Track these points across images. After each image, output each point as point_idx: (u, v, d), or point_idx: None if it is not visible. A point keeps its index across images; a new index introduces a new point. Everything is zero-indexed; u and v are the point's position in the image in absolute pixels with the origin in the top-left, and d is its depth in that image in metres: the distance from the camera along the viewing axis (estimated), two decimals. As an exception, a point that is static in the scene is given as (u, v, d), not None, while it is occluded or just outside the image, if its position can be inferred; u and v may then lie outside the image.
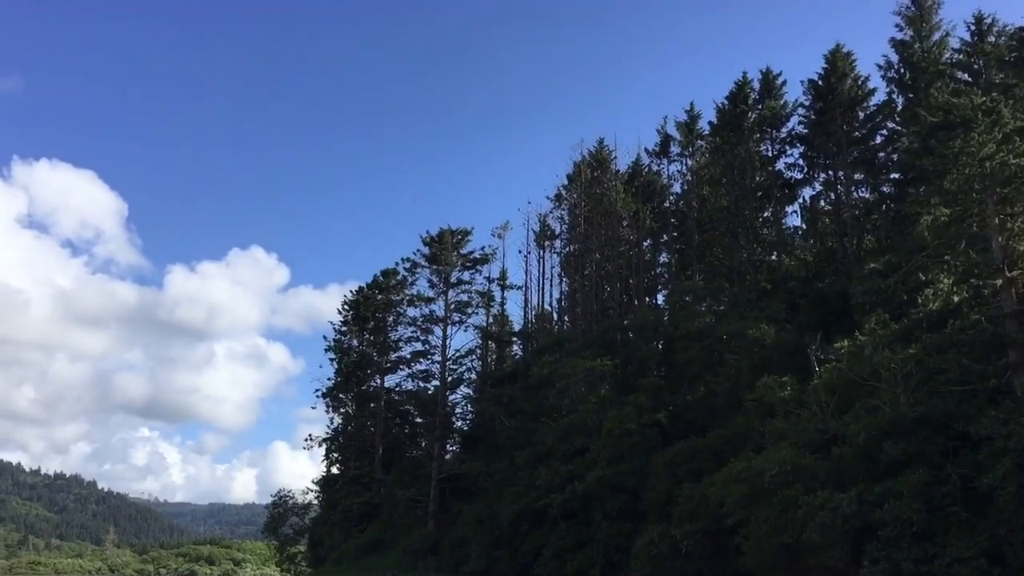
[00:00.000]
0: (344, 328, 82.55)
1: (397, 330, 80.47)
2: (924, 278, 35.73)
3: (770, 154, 63.37)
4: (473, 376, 77.61)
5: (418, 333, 77.64)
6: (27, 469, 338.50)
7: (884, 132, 56.62)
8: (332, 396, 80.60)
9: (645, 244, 73.76)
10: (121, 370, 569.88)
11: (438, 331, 75.42)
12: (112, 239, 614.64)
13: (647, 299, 72.82)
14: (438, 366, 74.95)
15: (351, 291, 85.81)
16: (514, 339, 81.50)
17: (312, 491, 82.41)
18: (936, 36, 54.00)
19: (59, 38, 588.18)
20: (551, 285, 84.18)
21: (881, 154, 56.32)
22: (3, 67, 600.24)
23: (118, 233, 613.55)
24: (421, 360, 78.05)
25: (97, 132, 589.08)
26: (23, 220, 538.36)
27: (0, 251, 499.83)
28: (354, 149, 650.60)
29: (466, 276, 75.88)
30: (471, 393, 76.45)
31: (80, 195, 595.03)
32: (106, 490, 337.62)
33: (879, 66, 55.27)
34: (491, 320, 79.24)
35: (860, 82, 57.78)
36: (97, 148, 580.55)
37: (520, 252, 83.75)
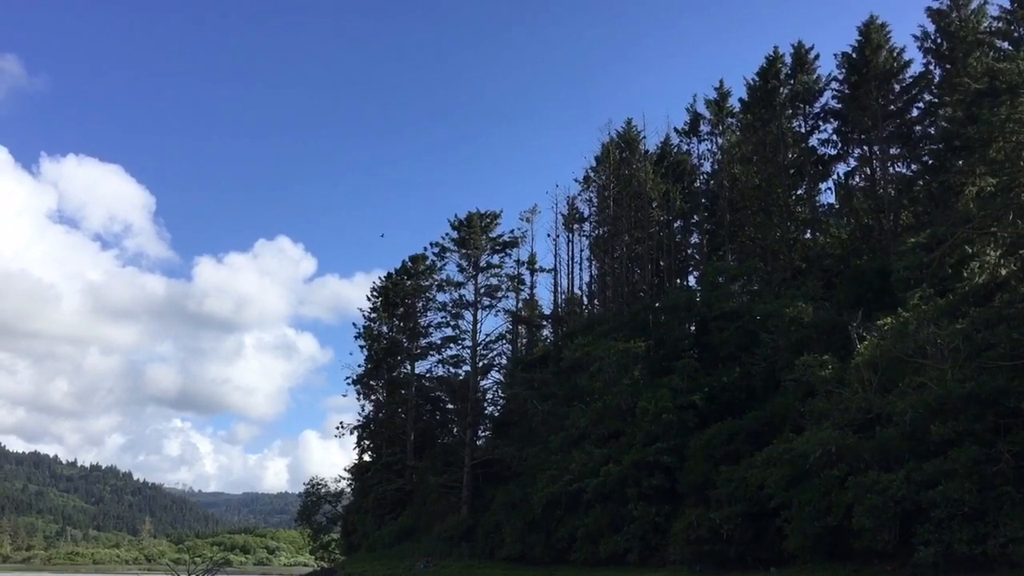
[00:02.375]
0: (373, 315, 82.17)
1: (427, 316, 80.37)
2: (970, 251, 34.68)
3: (803, 130, 62.15)
4: (504, 361, 77.28)
5: (448, 318, 77.48)
6: (64, 461, 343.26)
7: (921, 104, 55.29)
8: (363, 383, 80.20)
9: (675, 225, 72.67)
10: (153, 362, 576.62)
11: (468, 316, 75.25)
12: (141, 232, 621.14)
13: (678, 280, 71.88)
14: (469, 351, 74.68)
15: (379, 277, 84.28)
16: (544, 323, 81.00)
17: (344, 479, 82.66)
18: (974, 4, 52.49)
19: (83, 35, 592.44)
20: (580, 268, 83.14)
21: (918, 127, 54.97)
22: (33, 67, 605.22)
23: (146, 226, 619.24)
24: (451, 345, 77.86)
25: (122, 127, 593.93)
26: (53, 215, 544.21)
27: (32, 246, 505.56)
28: (379, 137, 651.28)
29: (495, 260, 75.70)
30: (502, 378, 76.13)
31: (108, 189, 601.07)
32: (141, 481, 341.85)
33: (915, 37, 53.97)
34: (521, 304, 79.02)
35: (895, 54, 56.34)
36: (122, 142, 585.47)
37: (549, 236, 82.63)
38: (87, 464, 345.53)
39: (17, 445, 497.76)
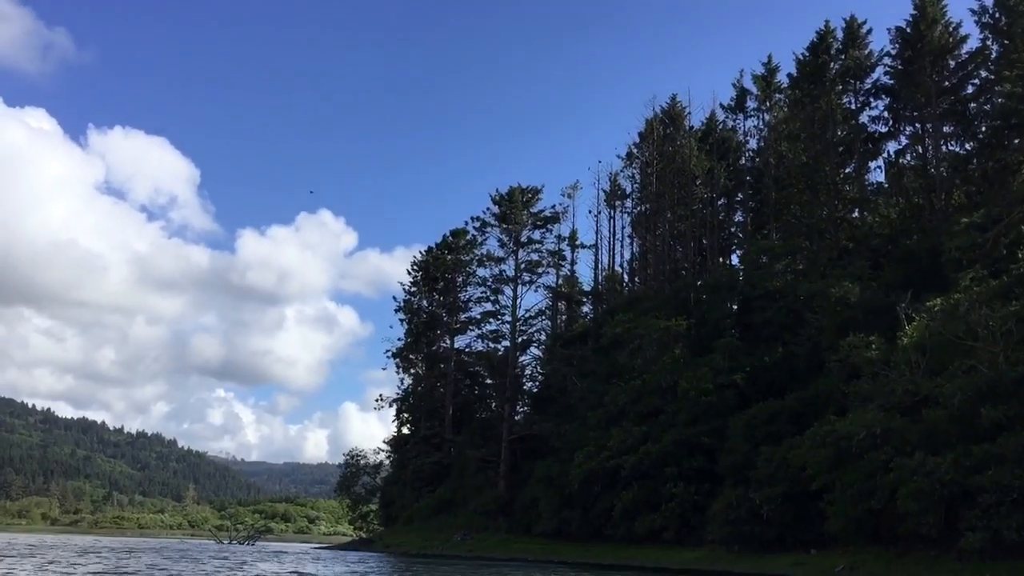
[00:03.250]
0: (413, 289, 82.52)
1: (467, 291, 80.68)
2: (1026, 231, 33.66)
3: (853, 107, 61.34)
4: (543, 337, 77.47)
5: (488, 293, 77.97)
6: (111, 427, 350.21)
7: (976, 81, 54.00)
8: (402, 357, 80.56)
9: (719, 203, 72.86)
10: (197, 332, 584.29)
11: (508, 291, 75.61)
12: (186, 204, 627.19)
13: (721, 259, 72.18)
14: (508, 326, 75.00)
15: (420, 252, 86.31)
16: (585, 299, 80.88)
17: (383, 451, 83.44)
18: (1036, -23, 50.87)
19: (131, 8, 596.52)
20: (622, 245, 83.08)
21: (973, 104, 53.66)
22: (81, 41, 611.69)
23: (191, 199, 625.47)
24: (491, 321, 78.26)
25: (167, 99, 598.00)
26: (101, 187, 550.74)
27: (81, 217, 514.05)
28: (419, 110, 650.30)
29: (536, 235, 76.03)
30: (541, 354, 76.33)
31: (154, 161, 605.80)
32: (186, 448, 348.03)
33: (972, 11, 52.51)
34: (561, 280, 79.35)
35: (951, 28, 55.02)
36: (168, 115, 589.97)
37: (590, 212, 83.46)
38: (133, 431, 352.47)
39: (66, 411, 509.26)
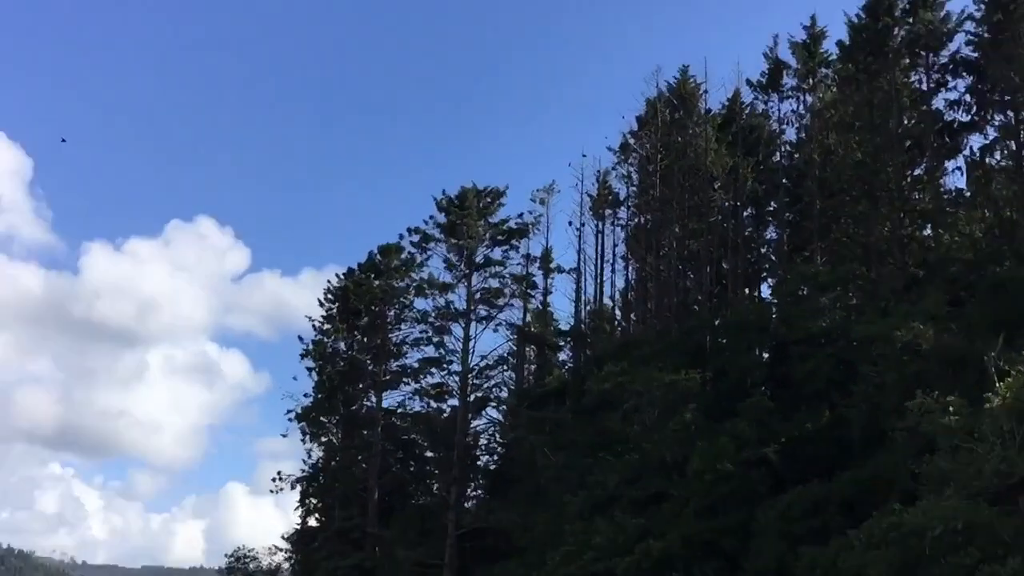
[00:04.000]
0: (327, 327, 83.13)
1: (400, 329, 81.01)
2: None
3: (924, 87, 61.67)
4: (504, 394, 78.24)
5: (430, 333, 78.12)
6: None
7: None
8: (310, 420, 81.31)
9: (745, 214, 73.41)
10: (23, 385, 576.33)
11: (458, 330, 76.32)
12: (12, 207, 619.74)
13: (747, 290, 72.85)
14: (457, 379, 75.78)
15: (337, 275, 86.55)
16: (562, 342, 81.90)
17: (282, 550, 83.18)
18: None
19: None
20: (613, 269, 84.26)
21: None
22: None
23: (19, 199, 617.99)
24: (434, 370, 78.61)
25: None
26: None
27: None
28: (340, 93, 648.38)
29: (497, 254, 77.57)
30: (501, 417, 77.31)
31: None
32: (5, 547, 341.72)
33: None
34: (530, 317, 79.60)
35: (1056, -16, 55.96)
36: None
37: (570, 224, 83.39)
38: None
39: None
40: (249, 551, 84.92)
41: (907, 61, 61.66)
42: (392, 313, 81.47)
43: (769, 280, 72.51)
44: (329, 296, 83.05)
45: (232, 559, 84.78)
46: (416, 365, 79.40)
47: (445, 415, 77.50)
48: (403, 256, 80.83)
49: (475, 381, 75.59)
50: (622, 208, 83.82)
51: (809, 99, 69.82)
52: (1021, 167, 57.08)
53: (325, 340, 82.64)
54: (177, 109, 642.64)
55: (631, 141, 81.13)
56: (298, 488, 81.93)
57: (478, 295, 75.97)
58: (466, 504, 72.19)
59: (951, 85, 60.65)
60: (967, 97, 59.86)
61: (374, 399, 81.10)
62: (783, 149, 72.93)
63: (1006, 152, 59.42)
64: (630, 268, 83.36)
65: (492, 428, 77.98)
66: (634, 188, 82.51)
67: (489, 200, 76.95)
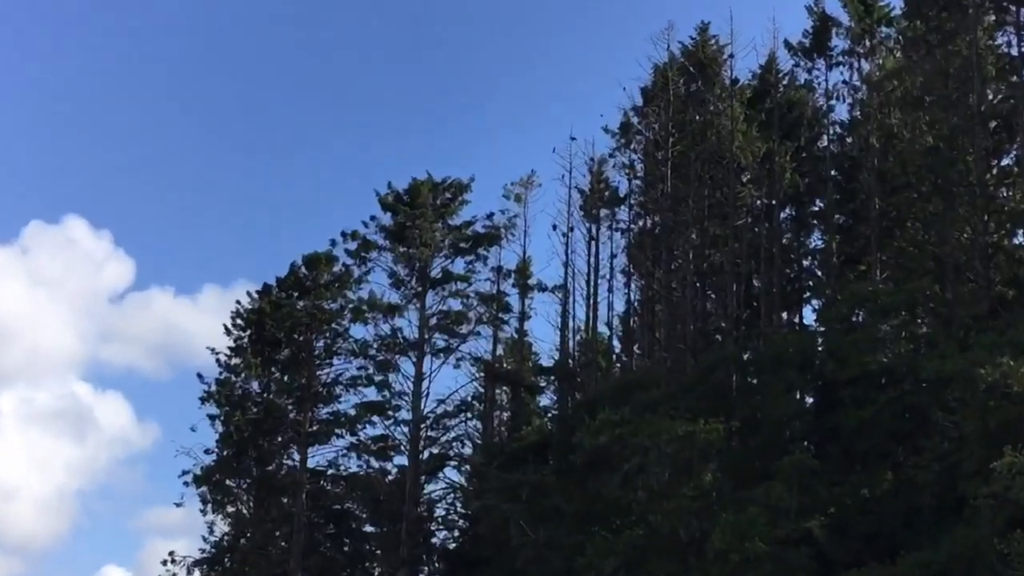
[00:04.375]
0: (236, 362, 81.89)
1: (332, 364, 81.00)
2: None
3: (1014, 51, 61.29)
4: (468, 449, 78.51)
5: (371, 370, 78.32)
6: None
7: None
8: (212, 484, 79.66)
9: (783, 215, 73.36)
10: None
11: (408, 366, 76.65)
12: None
13: (785, 314, 72.78)
14: (406, 430, 75.56)
15: (249, 294, 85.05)
16: (544, 382, 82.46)
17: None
18: None
19: None
20: (610, 287, 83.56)
21: None
22: None
23: None
24: (376, 419, 78.40)
25: None
26: None
27: None
28: (254, 62, 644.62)
29: (459, 267, 78.12)
30: (463, 481, 77.52)
31: None
32: None
33: None
34: (502, 349, 78.76)
35: None
36: None
37: (555, 228, 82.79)
38: None
39: None
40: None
41: (992, 19, 61.47)
42: (321, 344, 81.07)
43: (814, 302, 72.41)
44: (238, 321, 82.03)
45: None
46: (353, 412, 79.10)
47: (390, 477, 77.40)
48: (336, 269, 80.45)
49: (430, 433, 75.62)
50: (622, 208, 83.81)
51: (865, 66, 70.31)
52: None
53: (233, 379, 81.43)
54: (38, 88, 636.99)
55: (634, 120, 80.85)
56: (197, 574, 79.72)
57: (434, 320, 75.99)
58: (419, 592, 71.30)
59: (1049, 49, 60.45)
60: (1074, 61, 59.84)
61: (297, 457, 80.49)
62: (831, 131, 72.91)
63: None
64: (633, 285, 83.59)
65: (452, 495, 77.89)
66: (638, 182, 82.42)
67: (449, 196, 77.18)
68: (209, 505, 79.72)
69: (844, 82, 71.95)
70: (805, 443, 53.56)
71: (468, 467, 77.23)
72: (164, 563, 79.81)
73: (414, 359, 75.74)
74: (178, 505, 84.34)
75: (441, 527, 77.35)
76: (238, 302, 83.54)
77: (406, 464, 75.19)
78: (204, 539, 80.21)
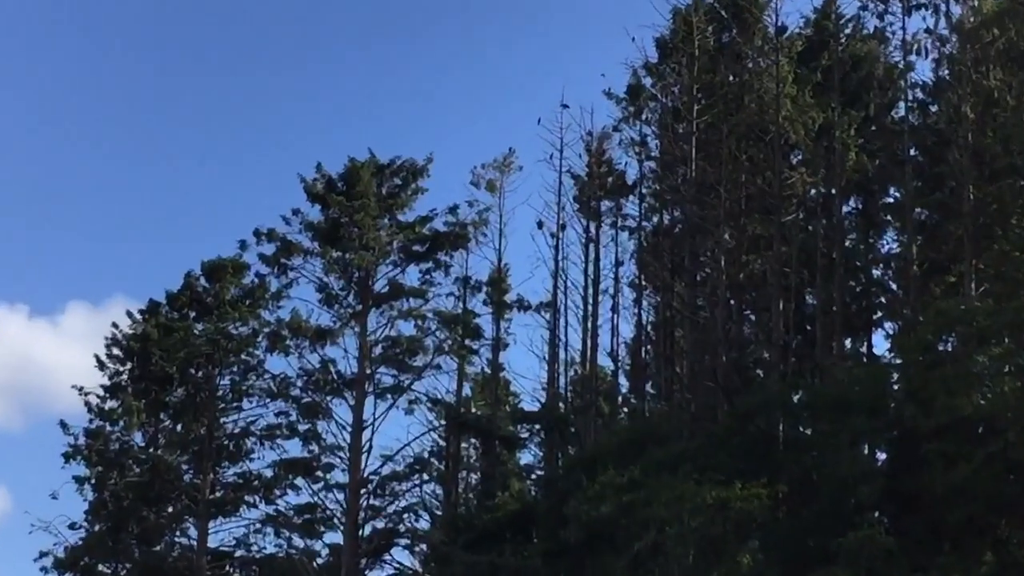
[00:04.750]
0: (112, 406, 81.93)
1: (241, 408, 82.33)
2: None
3: None
4: (424, 522, 78.45)
5: (293, 416, 79.42)
6: None
7: None
8: (80, 570, 80.00)
9: (845, 209, 73.10)
10: None
11: (343, 411, 77.18)
12: None
13: (849, 341, 73.00)
14: (342, 497, 76.36)
15: (129, 314, 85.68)
16: (526, 432, 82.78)
17: None
18: None
19: None
20: (615, 305, 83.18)
21: None
22: None
23: None
24: (299, 482, 79.17)
25: None
26: None
27: None
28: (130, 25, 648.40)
29: (412, 277, 78.57)
30: (419, 566, 78.47)
31: None
32: None
33: None
34: (470, 387, 78.82)
35: None
36: None
37: (541, 227, 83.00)
38: None
39: None
40: None
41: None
42: (227, 381, 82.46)
43: (887, 325, 73.35)
44: (115, 351, 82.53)
45: None
46: (270, 473, 79.74)
47: (320, 560, 77.55)
48: (247, 281, 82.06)
49: (372, 501, 76.19)
50: (631, 199, 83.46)
51: (956, 10, 69.44)
52: None
53: (108, 429, 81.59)
54: None
55: (647, 82, 79.81)
56: None
57: (378, 349, 76.69)
58: None
59: None
60: None
61: (195, 533, 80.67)
62: (910, 97, 72.17)
63: None
64: (645, 303, 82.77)
65: (402, 582, 78.35)
66: (652, 164, 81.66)
67: (398, 183, 78.15)
68: (75, 598, 77.89)
69: (927, 31, 70.90)
70: (876, 514, 52.97)
71: (424, 547, 77.21)
72: None
73: (352, 402, 75.89)
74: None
75: (387, 625, 76.64)
76: (114, 325, 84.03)
77: (341, 543, 75.17)
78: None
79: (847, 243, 71.94)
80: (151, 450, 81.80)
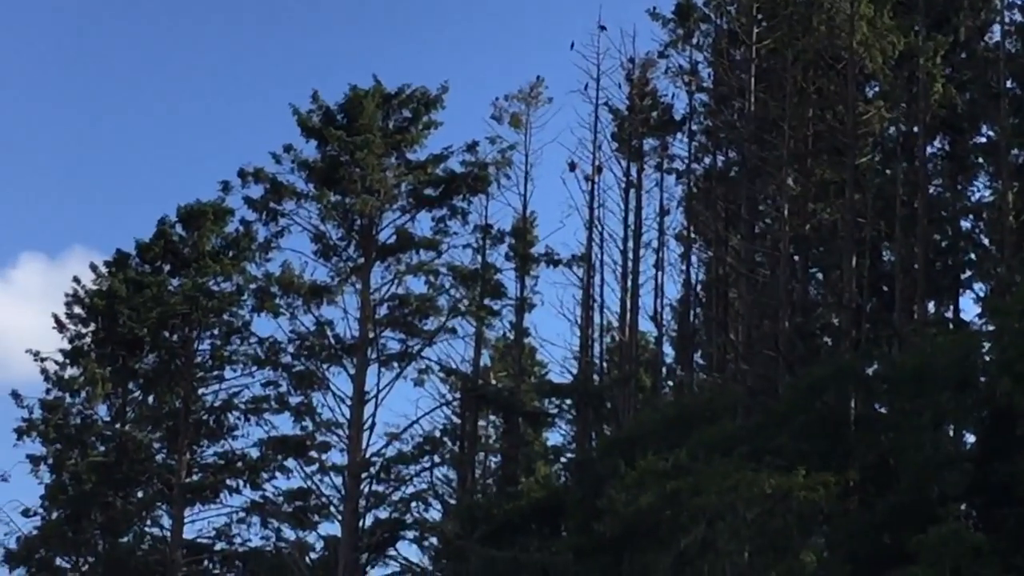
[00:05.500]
0: (72, 374, 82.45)
1: (223, 377, 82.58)
2: None
3: None
4: (435, 512, 79.26)
5: (283, 387, 79.31)
6: None
7: None
8: (36, 564, 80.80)
9: (930, 150, 73.36)
10: None
11: (342, 381, 77.22)
12: None
13: (932, 303, 73.28)
14: (339, 481, 76.48)
15: (93, 266, 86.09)
16: (555, 408, 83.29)
17: None
18: None
19: None
20: (659, 260, 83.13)
21: None
22: None
23: None
24: (290, 463, 79.30)
25: None
26: None
27: None
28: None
29: (423, 226, 78.64)
30: (428, 562, 79.40)
31: None
32: None
33: None
34: (490, 355, 78.62)
35: None
36: None
37: (574, 168, 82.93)
38: None
39: None
40: None
41: None
42: (207, 346, 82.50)
43: (977, 286, 73.23)
44: (77, 310, 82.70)
45: None
46: (256, 453, 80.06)
47: (314, 555, 77.91)
48: (231, 229, 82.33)
49: (376, 487, 75.92)
50: (679, 136, 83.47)
51: None
52: None
53: (68, 401, 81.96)
54: None
55: (698, 1, 79.93)
56: None
57: (384, 310, 76.66)
58: None
59: None
60: None
61: (168, 522, 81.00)
62: (1006, 19, 73.01)
63: None
64: (694, 258, 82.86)
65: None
66: (704, 96, 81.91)
67: (408, 115, 77.75)
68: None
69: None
70: (963, 506, 52.83)
71: (435, 540, 77.75)
72: None
73: (352, 371, 75.69)
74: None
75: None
76: (76, 280, 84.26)
77: (338, 535, 74.99)
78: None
79: (931, 190, 72.16)
80: (117, 425, 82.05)
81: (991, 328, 61.95)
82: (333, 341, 76.17)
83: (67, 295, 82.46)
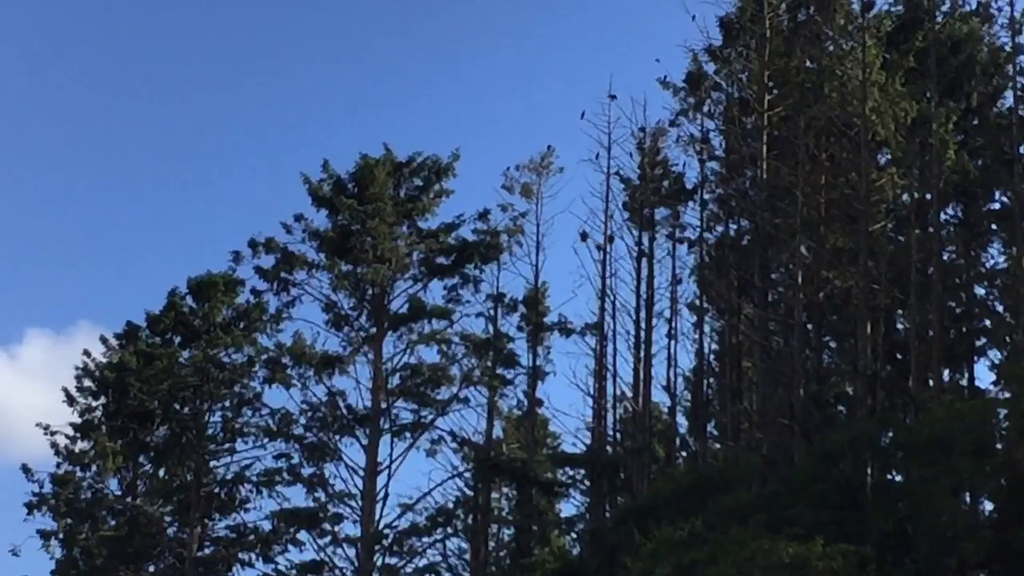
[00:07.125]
0: (83, 448, 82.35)
1: (234, 450, 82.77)
2: None
3: None
4: None
5: (295, 459, 79.59)
6: None
7: None
8: None
9: (943, 217, 73.55)
10: None
11: (355, 453, 77.26)
12: None
13: (948, 371, 73.06)
14: (352, 552, 76.39)
15: (103, 339, 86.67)
16: (568, 478, 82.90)
17: None
18: None
19: None
20: (672, 329, 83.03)
21: None
22: None
23: None
24: (303, 535, 78.99)
25: None
26: None
27: None
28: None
29: (435, 294, 79.16)
30: None
31: None
32: None
33: None
34: (501, 426, 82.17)
35: None
36: None
37: (586, 239, 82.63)
38: None
39: None
40: None
41: None
42: (219, 418, 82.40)
43: (992, 353, 73.13)
44: (87, 384, 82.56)
45: None
46: (268, 525, 79.66)
47: None
48: (242, 300, 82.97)
49: (389, 559, 75.68)
50: (691, 205, 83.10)
51: None
52: None
53: (79, 475, 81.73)
54: None
55: (710, 69, 79.92)
56: None
57: (396, 380, 76.75)
58: None
59: None
60: None
61: None
62: (1019, 85, 72.69)
63: None
64: (707, 327, 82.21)
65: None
66: (716, 165, 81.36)
67: (419, 184, 77.94)
68: None
69: (1040, 6, 71.02)
70: (982, 574, 53.50)
71: None
72: None
73: (364, 441, 75.76)
74: None
75: None
76: (86, 353, 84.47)
77: None
78: None
79: (945, 257, 72.17)
80: (129, 499, 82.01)
81: (1007, 395, 61.89)
82: (345, 412, 76.16)
83: (77, 368, 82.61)
